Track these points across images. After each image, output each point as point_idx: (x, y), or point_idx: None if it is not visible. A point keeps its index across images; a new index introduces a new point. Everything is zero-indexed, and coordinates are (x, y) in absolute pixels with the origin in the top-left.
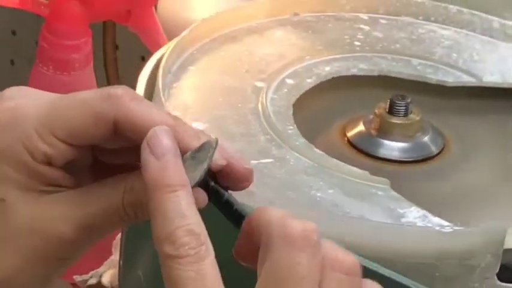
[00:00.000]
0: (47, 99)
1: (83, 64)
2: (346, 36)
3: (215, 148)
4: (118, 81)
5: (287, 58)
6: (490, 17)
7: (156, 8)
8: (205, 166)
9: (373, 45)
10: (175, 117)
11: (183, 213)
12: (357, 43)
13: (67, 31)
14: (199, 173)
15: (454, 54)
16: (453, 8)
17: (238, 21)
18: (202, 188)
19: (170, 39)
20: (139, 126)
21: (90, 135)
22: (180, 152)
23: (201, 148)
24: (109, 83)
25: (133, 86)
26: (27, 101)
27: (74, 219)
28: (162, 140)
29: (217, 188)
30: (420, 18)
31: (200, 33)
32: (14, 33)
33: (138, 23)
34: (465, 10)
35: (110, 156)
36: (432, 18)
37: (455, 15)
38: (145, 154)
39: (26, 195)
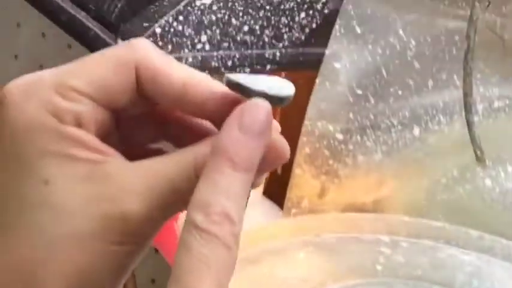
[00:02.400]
0: (63, 65)
1: None
2: (367, 261)
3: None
4: None
5: (309, 283)
6: (510, 243)
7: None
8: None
9: (395, 270)
10: (194, 71)
11: (234, 195)
12: (379, 267)
13: None
14: (290, 88)
15: (475, 282)
16: (474, 233)
17: (259, 241)
18: None
19: None
20: (161, 75)
21: (113, 85)
22: (201, 99)
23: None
24: None
25: None
26: (40, 72)
27: (140, 193)
28: (258, 115)
29: None
30: (441, 241)
31: None
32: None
33: (160, 238)
34: (486, 235)
35: (130, 132)
36: (453, 242)
37: (477, 241)
38: (232, 121)
39: (72, 171)
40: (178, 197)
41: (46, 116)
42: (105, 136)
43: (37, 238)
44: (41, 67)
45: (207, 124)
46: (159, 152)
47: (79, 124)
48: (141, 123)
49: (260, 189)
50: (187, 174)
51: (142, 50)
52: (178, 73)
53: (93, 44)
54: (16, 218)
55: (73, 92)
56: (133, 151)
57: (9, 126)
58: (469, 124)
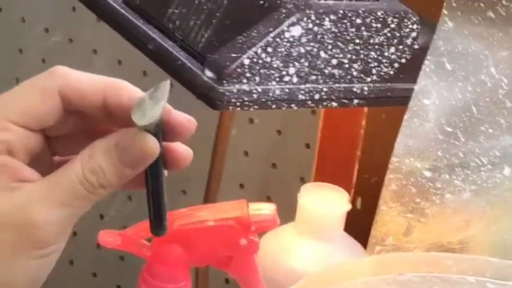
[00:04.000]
0: None
1: None
2: None
3: (168, 88)
4: None
5: None
6: None
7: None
8: (163, 103)
9: None
10: (115, 80)
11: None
12: None
13: (167, 274)
14: (159, 109)
15: None
16: None
17: (342, 279)
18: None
19: (269, 285)
20: (83, 91)
21: (41, 112)
22: (126, 107)
23: (157, 89)
24: None
25: None
26: None
27: (42, 202)
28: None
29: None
30: None
31: None
32: None
33: (238, 270)
34: None
35: (65, 148)
36: None
37: None
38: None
39: None
40: (75, 196)
41: None
42: (38, 154)
43: None
44: None
45: None
46: None
47: (9, 151)
48: (73, 139)
49: (341, 224)
50: (77, 172)
51: (62, 76)
52: (97, 88)
53: (179, 73)
54: None
55: (7, 122)
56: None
57: None
58: None
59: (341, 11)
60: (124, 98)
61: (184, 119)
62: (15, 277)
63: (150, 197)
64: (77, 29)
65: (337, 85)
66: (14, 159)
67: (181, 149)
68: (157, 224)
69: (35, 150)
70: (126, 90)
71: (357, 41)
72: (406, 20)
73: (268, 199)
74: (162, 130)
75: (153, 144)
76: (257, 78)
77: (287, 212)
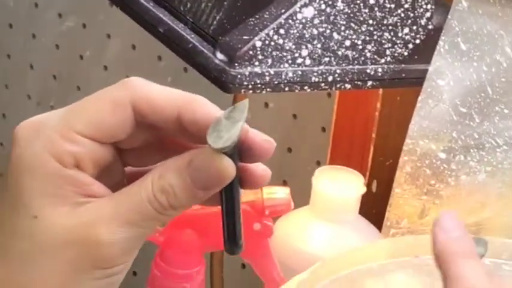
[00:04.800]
0: (67, 106)
1: None
2: None
3: (247, 109)
4: None
5: None
6: None
7: None
8: (241, 124)
9: None
10: (191, 95)
11: (480, 276)
12: None
13: (180, 260)
14: (236, 131)
15: None
16: None
17: (357, 262)
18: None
19: (283, 269)
20: (157, 104)
21: (111, 125)
22: (201, 124)
23: (235, 109)
24: None
25: None
26: (48, 114)
27: (109, 220)
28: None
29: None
30: None
31: (320, 275)
32: None
33: (252, 254)
34: None
35: (136, 160)
36: None
37: None
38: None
39: (59, 208)
40: (142, 216)
41: (48, 157)
42: (108, 167)
43: (25, 266)
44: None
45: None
46: None
47: (78, 165)
48: (145, 151)
49: (356, 208)
50: (147, 192)
51: (135, 87)
52: (172, 102)
53: (191, 56)
54: (8, 248)
55: (74, 134)
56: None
57: (15, 163)
58: None
59: None
60: (199, 115)
61: (262, 140)
62: None
63: (225, 216)
64: (90, 13)
65: (350, 67)
66: (81, 172)
67: (259, 170)
68: (232, 243)
69: (104, 163)
70: (202, 106)
71: (370, 21)
72: (420, 0)
73: (284, 183)
74: (239, 150)
75: (228, 167)
76: (269, 61)
77: (303, 197)
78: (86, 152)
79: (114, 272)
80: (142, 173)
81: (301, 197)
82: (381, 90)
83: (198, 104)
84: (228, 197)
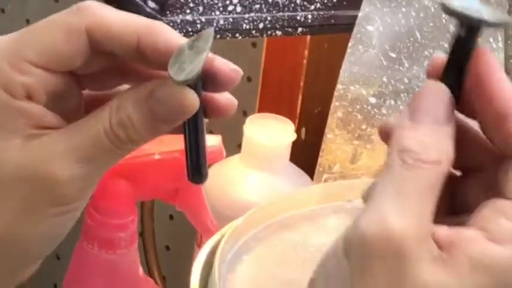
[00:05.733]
0: (15, 32)
1: (128, 243)
2: None
3: (212, 38)
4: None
5: None
6: None
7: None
8: (204, 56)
9: None
10: (151, 21)
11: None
12: None
13: (113, 210)
14: (199, 62)
15: None
16: None
17: (291, 208)
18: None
19: (217, 217)
20: (113, 30)
21: (65, 53)
22: (162, 52)
23: (199, 38)
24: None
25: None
26: None
27: (64, 155)
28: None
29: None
30: None
31: (254, 220)
32: None
33: (185, 202)
34: None
35: (94, 84)
36: None
37: None
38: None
39: (11, 141)
40: (99, 149)
41: None
42: (63, 96)
43: None
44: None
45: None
46: None
47: (29, 96)
48: (103, 76)
49: (287, 155)
50: (104, 124)
51: (91, 13)
52: (131, 29)
53: (122, 5)
54: None
55: (25, 63)
56: (96, 103)
57: None
58: None
59: None
60: (161, 44)
61: (228, 69)
62: (26, 236)
63: (188, 146)
64: None
65: (281, 13)
66: (33, 103)
67: (223, 98)
68: (197, 172)
69: (59, 92)
70: (163, 34)
71: None
72: None
73: (211, 133)
74: (204, 79)
75: (191, 99)
76: (200, 8)
77: (232, 147)
78: (37, 82)
79: (70, 209)
80: (101, 97)
81: (230, 147)
82: (308, 38)
83: (159, 32)
84: (191, 128)
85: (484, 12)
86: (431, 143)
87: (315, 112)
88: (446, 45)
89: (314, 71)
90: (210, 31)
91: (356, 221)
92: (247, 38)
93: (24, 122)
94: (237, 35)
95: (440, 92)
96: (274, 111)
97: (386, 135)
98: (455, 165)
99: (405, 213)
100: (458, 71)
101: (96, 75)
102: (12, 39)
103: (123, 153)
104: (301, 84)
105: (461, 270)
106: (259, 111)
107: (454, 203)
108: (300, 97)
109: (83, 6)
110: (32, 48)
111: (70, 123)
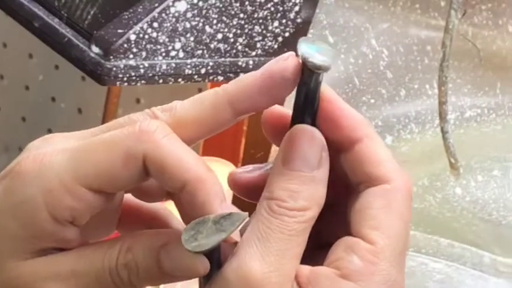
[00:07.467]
0: (73, 142)
1: None
2: None
3: (241, 224)
4: None
5: None
6: (480, 251)
7: None
8: (224, 237)
9: None
10: (210, 170)
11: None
12: None
13: None
14: (215, 242)
15: None
16: (444, 241)
17: None
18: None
19: None
20: (167, 172)
21: (121, 179)
22: (194, 209)
23: (229, 217)
24: None
25: None
26: (53, 147)
27: (62, 280)
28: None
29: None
30: (411, 250)
31: None
32: None
33: None
34: (456, 244)
35: (135, 193)
36: (423, 250)
37: (446, 249)
38: None
39: (20, 252)
40: (99, 283)
41: (40, 206)
42: (101, 213)
43: None
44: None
45: None
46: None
47: (73, 221)
48: (145, 191)
49: (229, 198)
50: (110, 262)
51: (151, 141)
52: (182, 175)
53: (66, 51)
54: None
55: (79, 187)
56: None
57: (8, 199)
58: (444, 133)
59: None
60: (197, 204)
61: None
62: None
63: None
64: None
65: (222, 59)
66: (72, 227)
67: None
68: None
69: (102, 211)
70: (206, 195)
71: (242, 15)
72: None
73: None
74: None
75: (200, 268)
76: (144, 54)
77: None
78: (87, 206)
79: None
80: (136, 207)
81: None
82: None
83: (203, 191)
84: None
85: (319, 56)
86: (300, 191)
87: (257, 157)
88: (383, 91)
89: (257, 116)
90: (243, 215)
91: (221, 269)
92: (189, 83)
93: (46, 241)
94: (180, 79)
95: (311, 135)
96: (217, 155)
97: (232, 184)
98: None
99: (266, 258)
100: (310, 111)
101: (139, 188)
102: (68, 157)
103: None
104: (245, 128)
105: None
106: (203, 154)
107: (321, 237)
108: (243, 141)
109: (145, 129)
110: (88, 171)
111: (92, 235)
